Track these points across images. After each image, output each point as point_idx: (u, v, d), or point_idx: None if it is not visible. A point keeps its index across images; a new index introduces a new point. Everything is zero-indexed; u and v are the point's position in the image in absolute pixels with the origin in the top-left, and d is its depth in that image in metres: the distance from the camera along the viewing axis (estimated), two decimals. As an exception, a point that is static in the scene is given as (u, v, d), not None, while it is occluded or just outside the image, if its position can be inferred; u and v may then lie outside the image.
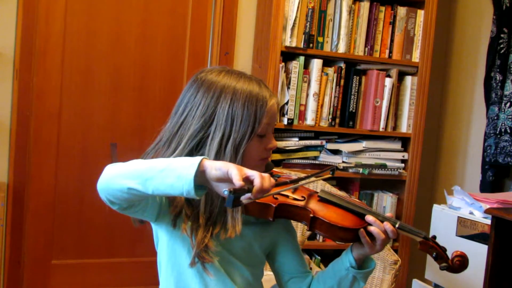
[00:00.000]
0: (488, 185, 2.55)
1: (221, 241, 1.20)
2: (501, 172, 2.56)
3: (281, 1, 2.46)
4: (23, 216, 2.56)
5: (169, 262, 1.22)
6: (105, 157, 2.62)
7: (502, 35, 2.51)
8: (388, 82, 2.64)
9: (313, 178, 1.33)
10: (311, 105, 2.55)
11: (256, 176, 0.97)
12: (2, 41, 2.46)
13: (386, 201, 2.75)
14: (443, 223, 2.25)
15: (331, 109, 2.59)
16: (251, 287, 1.27)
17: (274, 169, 1.32)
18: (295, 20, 2.48)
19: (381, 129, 2.66)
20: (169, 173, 0.99)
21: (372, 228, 1.19)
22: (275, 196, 1.21)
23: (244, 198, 0.96)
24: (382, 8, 2.64)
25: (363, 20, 2.61)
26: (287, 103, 2.51)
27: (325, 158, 2.62)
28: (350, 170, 2.63)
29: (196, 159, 0.98)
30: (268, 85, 1.61)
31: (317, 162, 2.61)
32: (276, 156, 2.53)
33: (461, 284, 2.15)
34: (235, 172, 0.95)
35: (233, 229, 1.15)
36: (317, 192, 1.27)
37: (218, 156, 1.15)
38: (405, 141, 2.74)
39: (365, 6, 2.61)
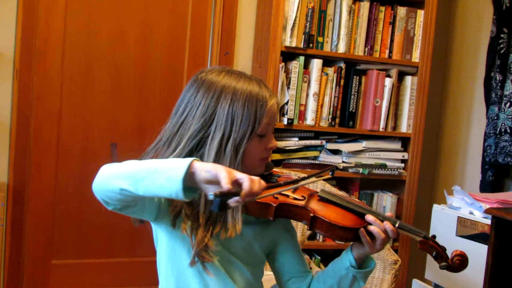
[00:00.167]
0: (488, 185, 2.55)
1: (221, 240, 1.19)
2: (501, 172, 2.56)
3: (281, 1, 2.46)
4: (23, 216, 2.56)
5: (169, 262, 1.22)
6: (105, 157, 2.62)
7: (502, 35, 2.51)
8: (388, 82, 2.64)
9: (313, 178, 1.33)
10: (311, 105, 2.55)
11: (245, 180, 0.96)
12: (2, 41, 2.46)
13: (386, 201, 2.75)
14: (443, 223, 2.25)
15: (331, 109, 2.60)
16: (251, 287, 1.27)
17: (274, 169, 1.33)
18: (295, 20, 2.48)
19: (381, 129, 2.66)
20: (159, 175, 0.98)
21: (372, 228, 1.19)
22: (275, 195, 1.21)
23: (233, 201, 0.94)
24: (382, 8, 2.64)
25: (363, 20, 2.61)
26: (287, 103, 2.51)
27: (325, 158, 2.62)
28: (350, 170, 2.63)
29: (187, 161, 0.98)
30: (268, 85, 1.61)
31: (317, 162, 2.61)
32: (276, 156, 2.53)
33: (461, 284, 2.15)
34: (224, 175, 0.94)
35: (233, 229, 1.15)
36: (317, 192, 1.27)
37: (218, 156, 1.15)
38: (405, 141, 2.74)
39: (365, 6, 2.61)
